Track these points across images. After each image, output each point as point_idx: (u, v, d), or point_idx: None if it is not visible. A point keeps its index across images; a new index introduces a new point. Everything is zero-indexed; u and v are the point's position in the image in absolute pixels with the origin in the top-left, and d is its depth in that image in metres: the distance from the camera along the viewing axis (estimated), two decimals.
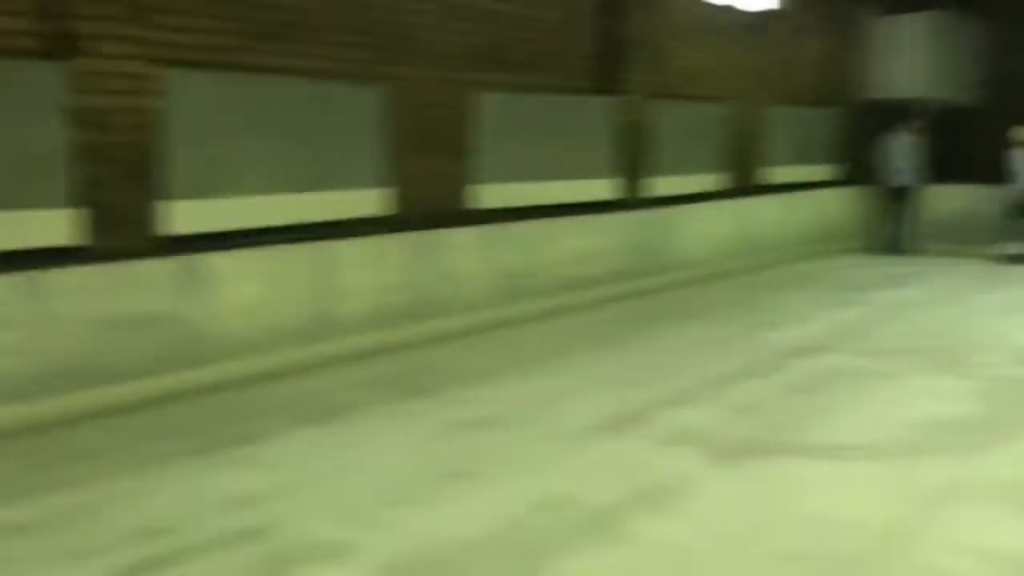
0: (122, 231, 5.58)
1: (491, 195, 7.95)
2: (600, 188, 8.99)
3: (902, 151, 11.64)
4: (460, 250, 7.53)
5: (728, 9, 10.79)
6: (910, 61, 12.84)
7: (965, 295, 9.30)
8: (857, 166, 12.89)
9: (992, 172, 11.64)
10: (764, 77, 11.48)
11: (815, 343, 7.16)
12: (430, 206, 7.50)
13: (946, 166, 13.17)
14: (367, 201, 7.01)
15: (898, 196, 11.83)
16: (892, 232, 12.01)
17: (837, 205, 12.55)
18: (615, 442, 4.89)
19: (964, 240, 12.06)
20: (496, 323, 7.64)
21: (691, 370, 6.31)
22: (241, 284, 6.03)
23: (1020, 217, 11.41)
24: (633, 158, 9.28)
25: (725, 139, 10.77)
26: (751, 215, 10.97)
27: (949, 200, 12.37)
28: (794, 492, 4.22)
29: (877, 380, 6.12)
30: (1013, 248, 11.45)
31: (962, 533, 3.79)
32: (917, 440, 4.95)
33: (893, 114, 12.30)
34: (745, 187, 11.17)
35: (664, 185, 9.75)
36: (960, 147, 13.93)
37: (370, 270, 6.84)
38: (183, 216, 5.84)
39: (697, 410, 5.43)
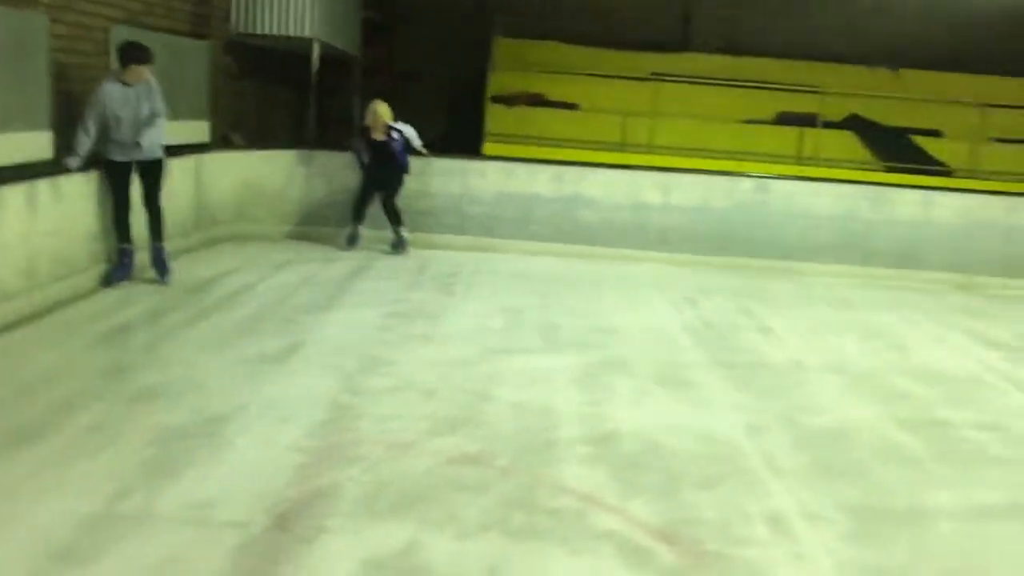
0: None
1: None
2: None
3: (128, 109, 6.57)
4: None
5: None
6: None
7: (420, 318, 6.69)
8: (235, 124, 9.46)
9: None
10: None
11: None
12: None
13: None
14: None
15: (127, 174, 6.80)
16: (124, 225, 6.83)
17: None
18: None
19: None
20: None
21: None
22: None
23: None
24: None
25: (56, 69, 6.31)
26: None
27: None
28: None
29: None
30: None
31: None
32: None
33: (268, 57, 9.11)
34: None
35: None
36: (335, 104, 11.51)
37: None
38: None
39: None
